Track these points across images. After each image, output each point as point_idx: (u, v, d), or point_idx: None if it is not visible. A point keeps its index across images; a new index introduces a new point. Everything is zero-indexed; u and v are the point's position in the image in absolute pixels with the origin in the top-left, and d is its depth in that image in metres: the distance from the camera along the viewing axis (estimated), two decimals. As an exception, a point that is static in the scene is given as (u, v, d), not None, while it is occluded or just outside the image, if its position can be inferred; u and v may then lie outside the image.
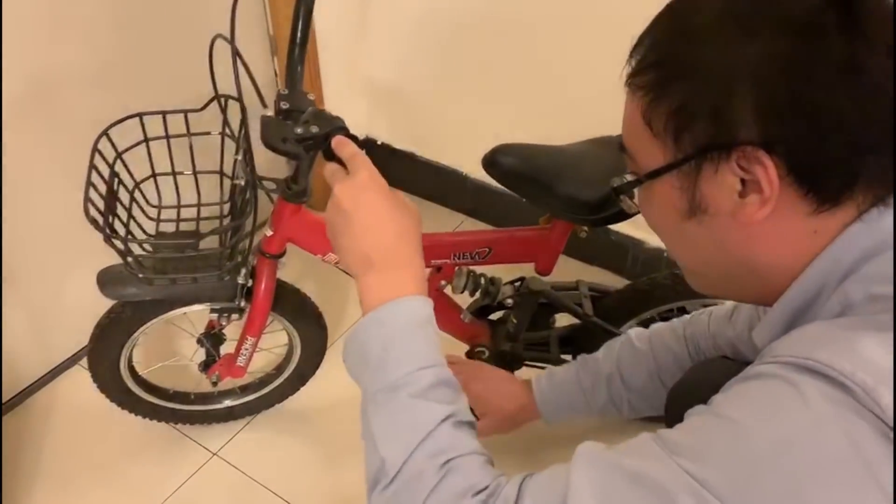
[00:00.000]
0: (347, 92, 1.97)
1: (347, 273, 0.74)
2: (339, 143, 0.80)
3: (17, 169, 1.28)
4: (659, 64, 0.59)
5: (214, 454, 1.44)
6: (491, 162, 1.13)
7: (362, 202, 0.73)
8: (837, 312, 0.56)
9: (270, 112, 0.87)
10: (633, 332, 1.12)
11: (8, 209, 1.29)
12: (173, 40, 1.46)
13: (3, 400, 1.48)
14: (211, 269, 1.04)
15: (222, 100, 1.09)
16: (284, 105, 0.97)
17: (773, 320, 0.62)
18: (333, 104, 1.89)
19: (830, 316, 0.56)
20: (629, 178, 0.65)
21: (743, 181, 0.56)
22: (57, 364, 1.56)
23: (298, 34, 0.99)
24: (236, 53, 0.89)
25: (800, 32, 0.53)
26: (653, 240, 1.64)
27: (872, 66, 0.53)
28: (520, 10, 1.59)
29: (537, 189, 1.12)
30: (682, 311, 1.26)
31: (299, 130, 0.84)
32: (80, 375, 1.54)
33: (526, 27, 1.60)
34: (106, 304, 1.19)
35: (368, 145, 2.12)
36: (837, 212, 0.56)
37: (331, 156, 0.81)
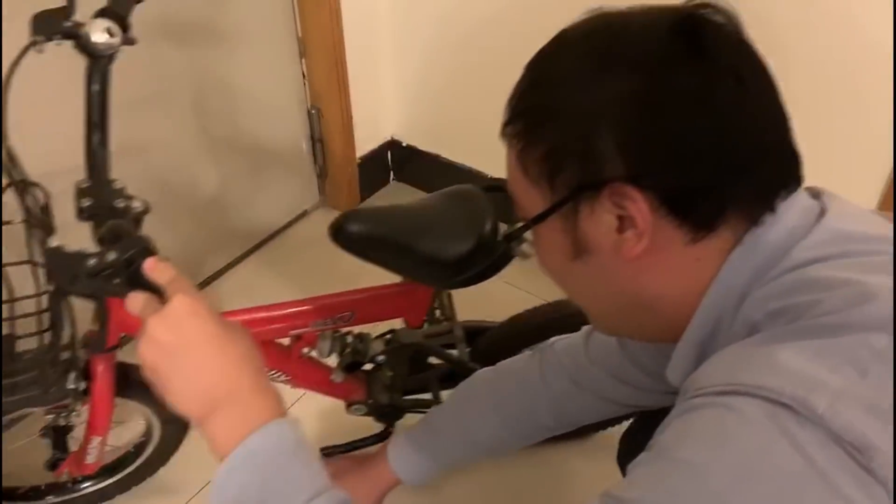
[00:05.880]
0: (374, 94, 1.96)
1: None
2: (154, 269, 0.67)
3: None
4: (526, 112, 0.60)
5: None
6: (337, 231, 1.01)
7: (190, 333, 0.62)
8: (745, 334, 0.55)
9: (56, 239, 0.72)
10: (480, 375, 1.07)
11: None
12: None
13: None
14: (31, 388, 0.91)
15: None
16: (86, 202, 0.85)
17: (681, 356, 0.63)
18: (360, 107, 1.92)
19: (739, 339, 0.55)
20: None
21: (620, 217, 0.56)
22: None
23: (94, 115, 0.86)
24: None
25: (651, 66, 0.54)
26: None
27: (723, 92, 0.53)
28: (548, 11, 1.53)
29: (393, 252, 1.03)
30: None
31: (92, 262, 0.70)
32: None
33: (556, 29, 1.55)
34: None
35: (394, 147, 2.10)
36: (715, 238, 0.56)
37: (136, 283, 0.68)
